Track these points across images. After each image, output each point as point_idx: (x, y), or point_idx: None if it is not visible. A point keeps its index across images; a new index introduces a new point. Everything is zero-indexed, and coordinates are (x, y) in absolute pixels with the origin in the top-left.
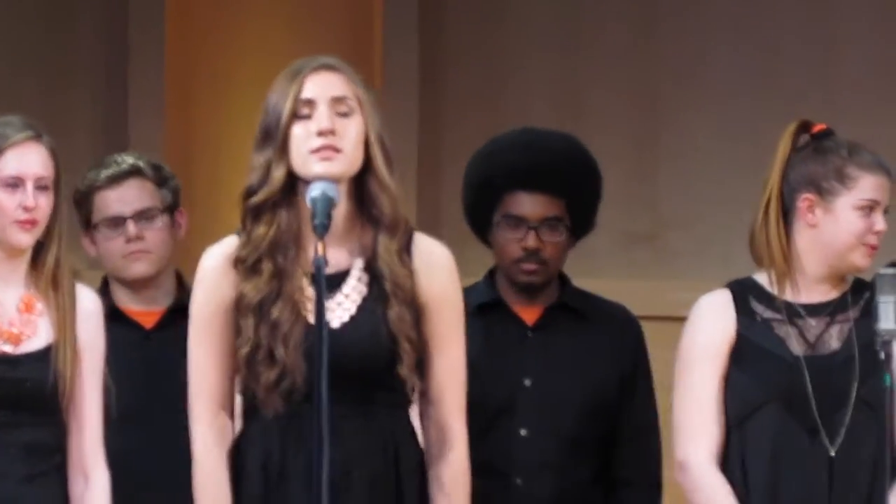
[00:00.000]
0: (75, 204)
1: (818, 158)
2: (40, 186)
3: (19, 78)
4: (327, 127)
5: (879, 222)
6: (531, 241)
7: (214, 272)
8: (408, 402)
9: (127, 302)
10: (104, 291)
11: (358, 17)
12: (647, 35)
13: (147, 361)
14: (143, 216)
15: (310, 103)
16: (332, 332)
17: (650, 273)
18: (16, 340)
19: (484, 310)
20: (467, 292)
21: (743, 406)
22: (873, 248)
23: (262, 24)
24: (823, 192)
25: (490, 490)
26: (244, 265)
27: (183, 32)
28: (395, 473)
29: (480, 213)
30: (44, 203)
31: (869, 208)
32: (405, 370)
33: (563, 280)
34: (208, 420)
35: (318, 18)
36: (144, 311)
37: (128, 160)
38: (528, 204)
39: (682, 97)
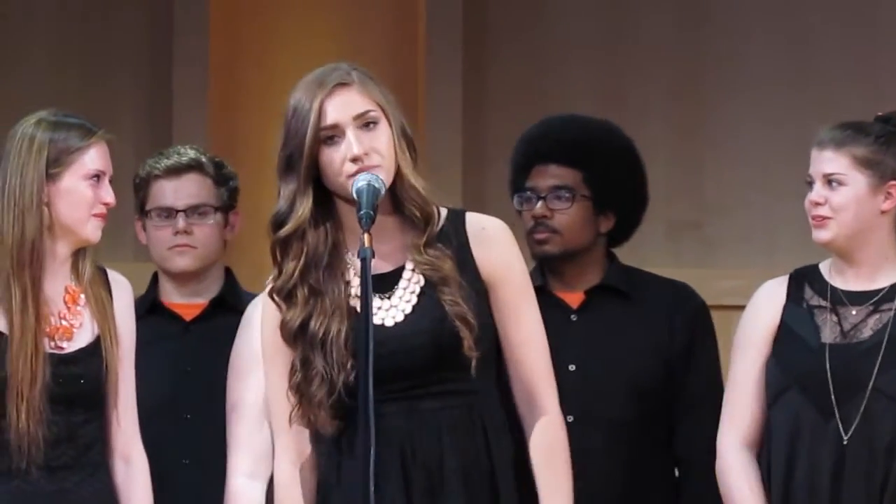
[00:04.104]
0: (134, 189)
1: None
2: (109, 181)
3: (63, 68)
4: (359, 153)
5: (812, 194)
6: (539, 209)
7: (262, 313)
8: (485, 387)
9: (171, 294)
10: (152, 286)
11: (402, 9)
12: (688, 24)
13: (184, 353)
14: (195, 211)
15: (335, 128)
16: (388, 329)
17: (694, 262)
18: (69, 335)
19: None
20: None
21: (770, 391)
22: (814, 218)
23: (306, 12)
24: None
25: None
26: (280, 296)
27: (227, 22)
28: (489, 465)
29: (514, 194)
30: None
31: (808, 183)
32: (468, 350)
33: (611, 261)
34: (285, 444)
35: (363, 9)
36: (186, 303)
37: (189, 153)
38: (539, 175)
39: (724, 85)
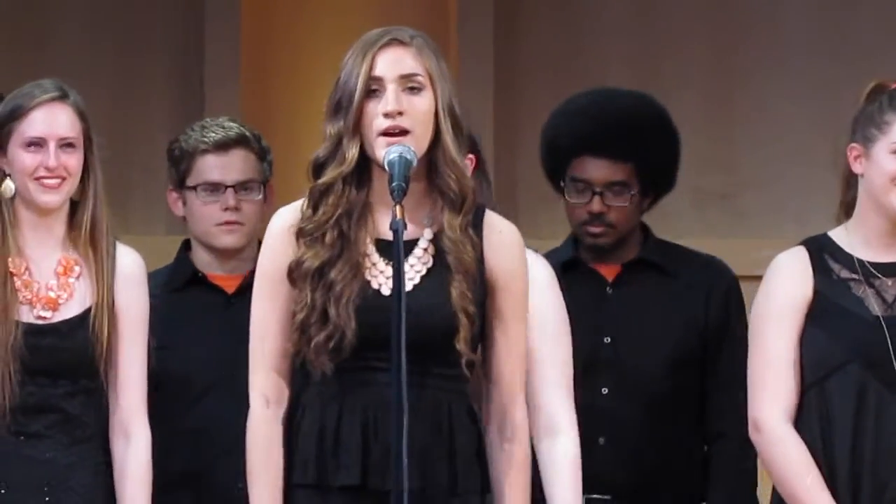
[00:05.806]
0: (172, 161)
1: (865, 109)
2: (65, 145)
3: (96, 46)
4: (393, 109)
5: None
6: (596, 205)
7: (282, 235)
8: (465, 380)
9: (210, 267)
10: (184, 255)
11: None
12: None
13: (229, 326)
14: (243, 187)
15: (379, 80)
16: (384, 297)
17: (726, 232)
18: (54, 305)
19: (565, 269)
20: (549, 255)
21: (821, 365)
22: None
23: None
24: (865, 140)
25: None
26: (306, 238)
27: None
28: (449, 452)
29: (552, 174)
30: (70, 162)
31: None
32: (461, 343)
33: (646, 234)
34: (265, 379)
35: None
36: (226, 275)
37: (234, 127)
38: (594, 168)
39: (757, 56)
